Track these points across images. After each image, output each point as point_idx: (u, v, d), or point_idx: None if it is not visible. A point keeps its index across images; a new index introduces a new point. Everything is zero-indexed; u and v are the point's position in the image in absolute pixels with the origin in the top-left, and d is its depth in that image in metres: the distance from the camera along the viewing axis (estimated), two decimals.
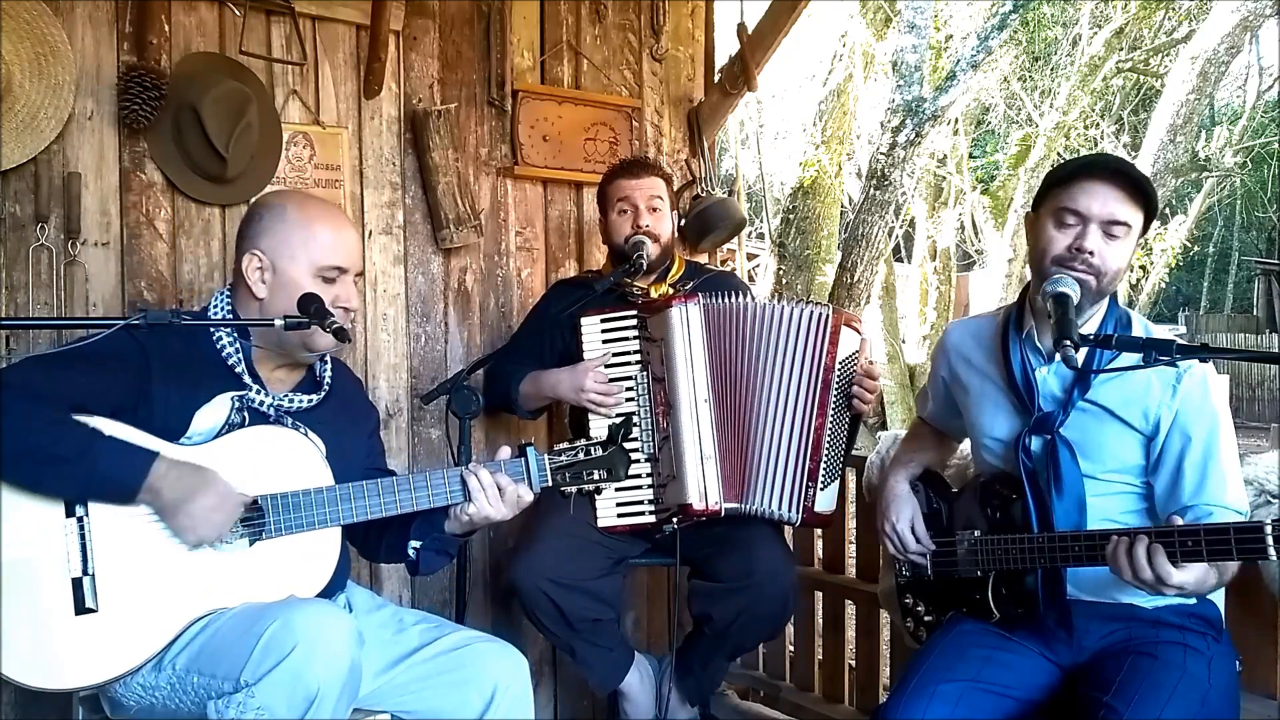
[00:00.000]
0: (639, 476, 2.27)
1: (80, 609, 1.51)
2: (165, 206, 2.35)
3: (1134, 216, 1.65)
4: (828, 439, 2.19)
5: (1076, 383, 1.71)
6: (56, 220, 2.21)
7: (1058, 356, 1.71)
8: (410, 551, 1.84)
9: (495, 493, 1.72)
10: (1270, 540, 1.37)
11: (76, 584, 1.52)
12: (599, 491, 1.83)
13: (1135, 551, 1.47)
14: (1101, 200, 1.63)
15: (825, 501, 2.21)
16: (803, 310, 2.22)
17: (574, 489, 1.80)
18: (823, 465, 2.18)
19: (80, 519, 1.53)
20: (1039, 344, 1.77)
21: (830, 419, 2.19)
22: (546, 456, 1.78)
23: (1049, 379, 1.75)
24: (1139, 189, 1.65)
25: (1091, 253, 1.63)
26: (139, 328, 1.50)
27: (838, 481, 2.24)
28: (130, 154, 2.30)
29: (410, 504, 1.70)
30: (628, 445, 2.24)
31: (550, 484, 1.77)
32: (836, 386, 2.19)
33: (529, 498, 1.76)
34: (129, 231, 2.31)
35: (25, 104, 2.12)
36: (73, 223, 2.21)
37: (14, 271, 2.18)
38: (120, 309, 2.28)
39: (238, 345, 1.70)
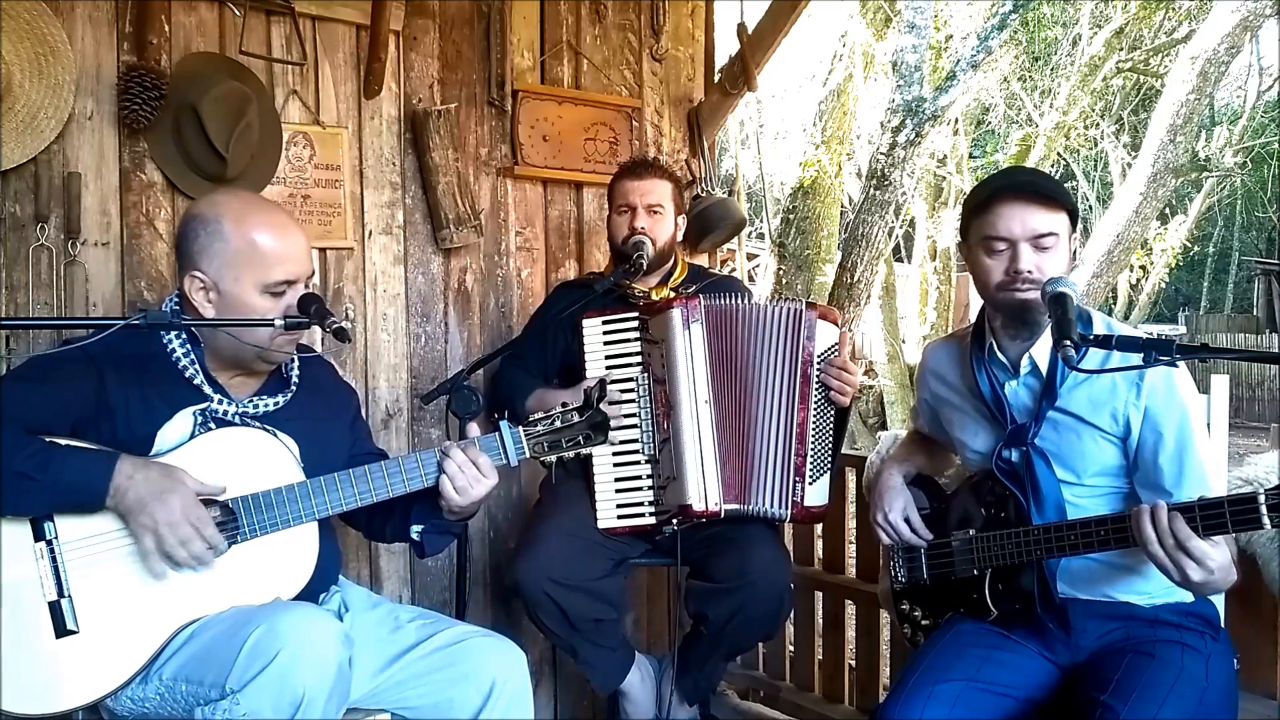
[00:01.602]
0: (639, 478, 2.28)
1: (61, 632, 1.50)
2: (165, 206, 2.35)
3: (1057, 222, 1.68)
4: (812, 433, 2.20)
5: (1044, 394, 1.72)
6: (56, 220, 2.21)
7: (1024, 369, 1.74)
8: (414, 535, 1.83)
9: (474, 470, 1.69)
10: (1264, 509, 1.38)
11: (54, 607, 1.50)
12: (580, 456, 1.79)
13: (1158, 517, 1.46)
14: (1020, 220, 1.66)
15: (815, 496, 2.21)
16: (780, 307, 2.24)
17: (554, 458, 1.76)
18: (809, 460, 2.19)
19: (50, 541, 1.51)
20: (1002, 359, 1.79)
21: (813, 412, 2.20)
22: (521, 428, 1.74)
23: (1019, 391, 1.77)
24: (1051, 196, 1.67)
25: (1030, 271, 1.66)
26: (140, 328, 1.50)
27: (828, 475, 2.24)
28: (130, 154, 2.30)
29: (385, 491, 1.68)
30: (627, 444, 2.27)
31: (528, 455, 1.74)
32: (817, 380, 2.20)
33: (493, 478, 1.72)
34: (129, 231, 2.31)
35: (25, 104, 2.12)
36: (73, 223, 2.21)
37: (14, 271, 2.18)
38: (120, 309, 2.28)
39: (191, 355, 1.66)
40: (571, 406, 1.76)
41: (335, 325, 1.60)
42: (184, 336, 1.66)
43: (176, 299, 1.70)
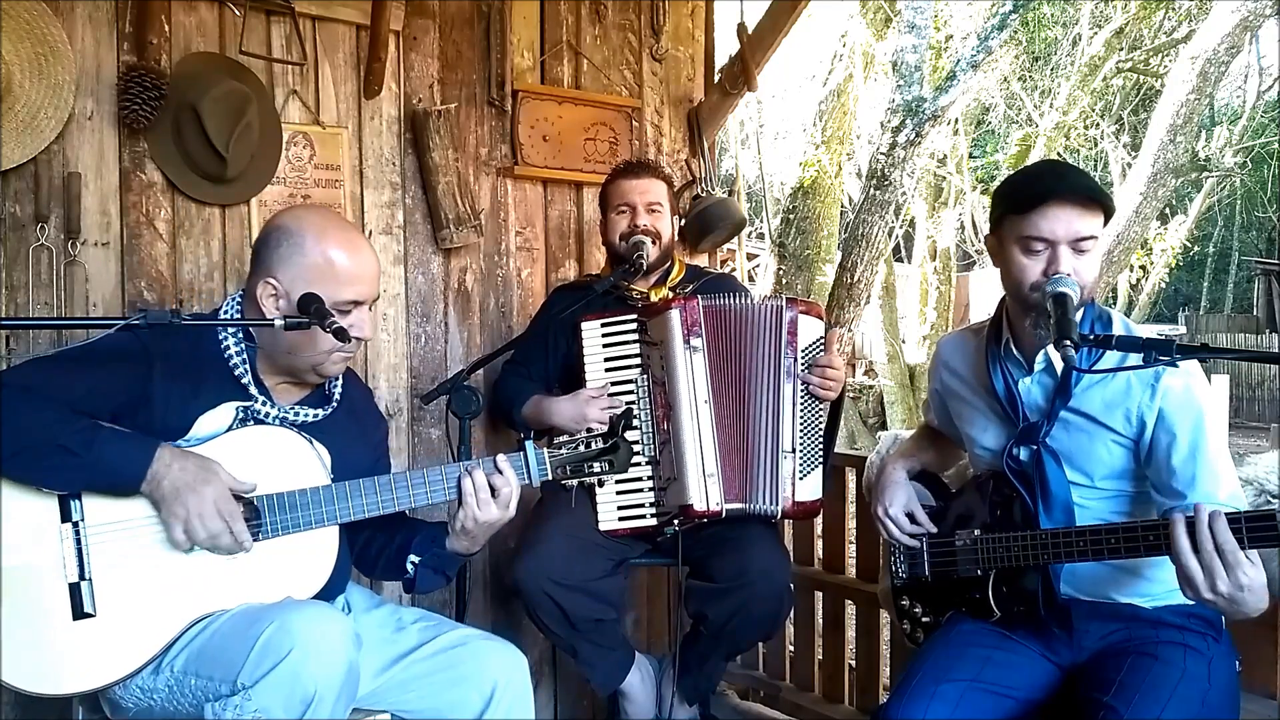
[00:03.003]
0: (640, 479, 2.28)
1: (78, 614, 1.52)
2: (165, 206, 2.35)
3: (1097, 224, 1.66)
4: (800, 427, 2.20)
5: (1058, 393, 1.71)
6: (56, 220, 2.21)
7: (1038, 365, 1.73)
8: (408, 567, 1.83)
9: (487, 494, 1.70)
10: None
11: (74, 589, 1.52)
12: (601, 484, 1.81)
13: (1198, 525, 1.39)
14: (1065, 223, 1.63)
15: (807, 491, 2.21)
16: (764, 304, 2.25)
17: (575, 482, 1.78)
18: (798, 454, 2.19)
19: (76, 524, 1.53)
20: (1018, 356, 1.78)
21: (799, 407, 2.20)
22: (546, 450, 1.75)
23: (1032, 389, 1.76)
24: (1094, 198, 1.65)
25: (1069, 273, 1.63)
26: (140, 328, 1.50)
27: (820, 469, 2.25)
28: (130, 154, 2.30)
29: (408, 501, 1.69)
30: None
31: (550, 478, 1.75)
32: (802, 374, 2.21)
33: (510, 511, 1.73)
34: (129, 231, 2.31)
35: (25, 104, 2.12)
36: (73, 223, 2.21)
37: (14, 271, 2.18)
38: (120, 309, 2.28)
39: (244, 355, 1.69)
40: (596, 433, 1.78)
41: (335, 325, 1.61)
42: (240, 336, 1.70)
43: (240, 298, 1.74)
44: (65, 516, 1.53)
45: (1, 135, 2.08)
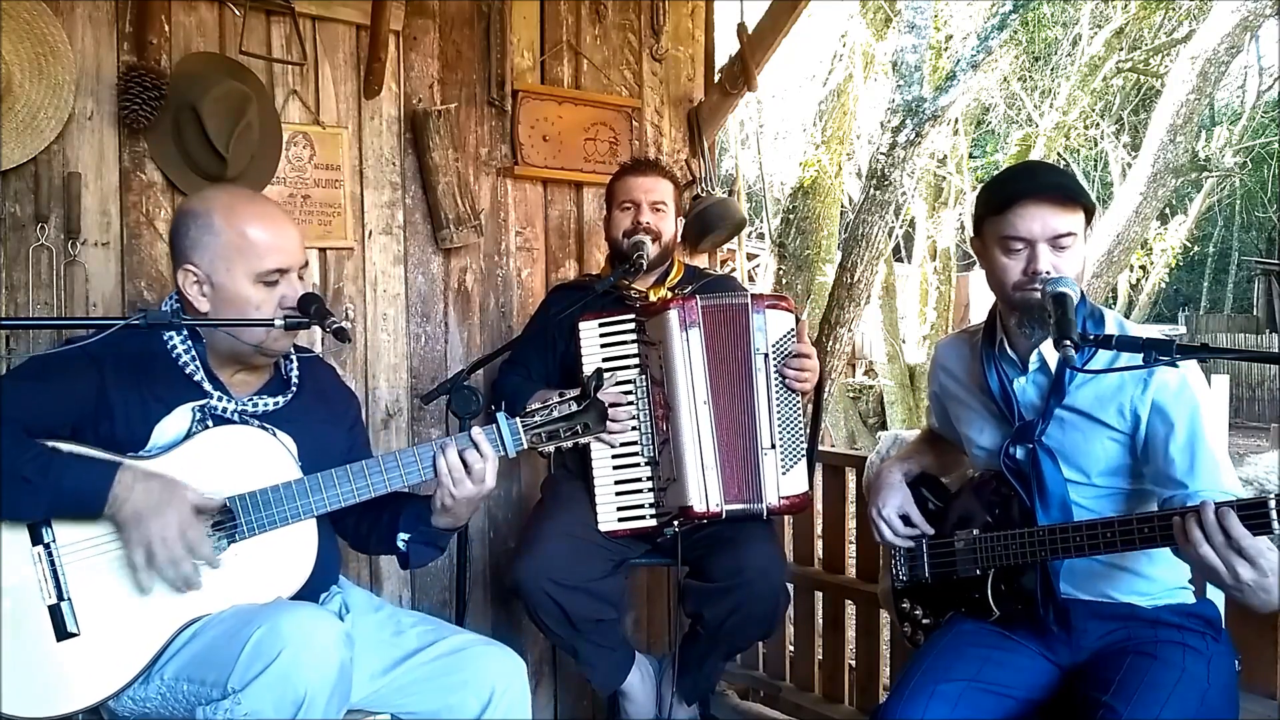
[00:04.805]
0: (639, 480, 2.28)
1: (62, 635, 1.50)
2: (165, 206, 2.35)
3: (1075, 221, 1.66)
4: (778, 421, 2.20)
5: (1053, 391, 1.71)
6: (56, 220, 2.21)
7: (1032, 365, 1.73)
8: (400, 544, 1.83)
9: (461, 473, 1.69)
10: (1274, 515, 1.36)
11: (54, 611, 1.50)
12: (578, 446, 1.79)
13: (1205, 514, 1.39)
14: (1040, 221, 1.64)
15: (790, 486, 2.21)
16: (736, 301, 2.26)
17: (552, 448, 1.76)
18: (778, 449, 2.20)
19: (48, 545, 1.51)
20: (1011, 355, 1.78)
21: (776, 402, 2.21)
22: (519, 419, 1.74)
23: (1027, 388, 1.77)
24: (1072, 196, 1.65)
25: (1048, 271, 1.64)
26: (140, 328, 1.50)
27: (802, 463, 2.24)
28: (130, 154, 2.30)
29: (383, 485, 1.68)
30: (626, 446, 2.27)
31: (525, 446, 1.74)
32: (777, 368, 2.22)
33: (491, 481, 1.73)
34: (129, 231, 2.31)
35: (25, 104, 2.12)
36: (73, 223, 2.21)
37: (14, 271, 2.18)
38: (120, 309, 2.28)
39: (193, 352, 1.66)
40: (569, 396, 1.75)
41: (335, 325, 1.60)
42: (185, 334, 1.67)
43: (176, 297, 1.70)
44: (36, 539, 1.51)
45: (1, 135, 2.08)
